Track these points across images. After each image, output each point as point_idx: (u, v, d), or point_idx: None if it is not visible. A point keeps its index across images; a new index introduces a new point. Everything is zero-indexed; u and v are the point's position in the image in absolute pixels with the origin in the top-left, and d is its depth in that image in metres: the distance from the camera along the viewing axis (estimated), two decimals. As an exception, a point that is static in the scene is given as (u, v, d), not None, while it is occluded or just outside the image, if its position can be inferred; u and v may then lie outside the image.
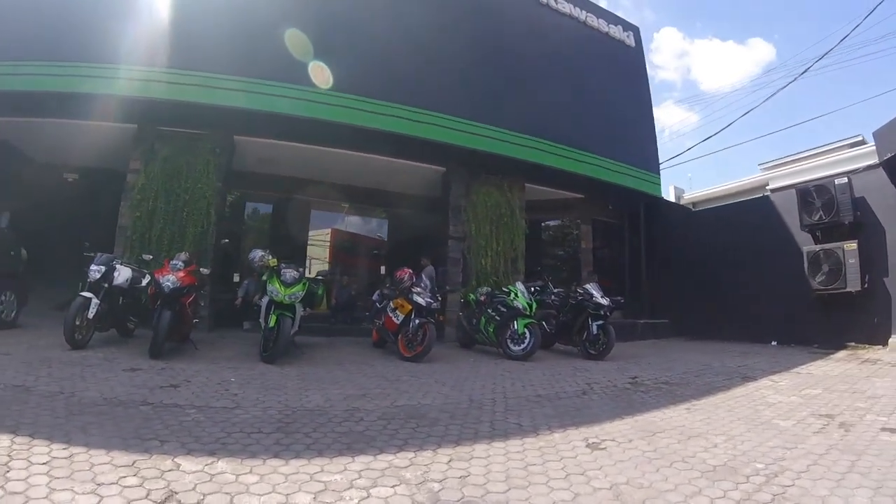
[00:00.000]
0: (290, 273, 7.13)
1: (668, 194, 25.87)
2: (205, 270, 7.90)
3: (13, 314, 7.88)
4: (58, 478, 2.58)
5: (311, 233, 14.51)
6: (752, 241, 12.17)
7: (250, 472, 2.83)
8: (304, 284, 7.26)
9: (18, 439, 3.05)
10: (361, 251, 15.13)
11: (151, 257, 7.97)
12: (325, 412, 4.26)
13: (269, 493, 2.57)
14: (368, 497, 2.56)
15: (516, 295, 8.55)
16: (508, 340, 8.34)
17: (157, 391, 4.64)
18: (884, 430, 4.08)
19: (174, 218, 9.28)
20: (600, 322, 8.53)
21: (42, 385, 4.49)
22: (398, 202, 14.00)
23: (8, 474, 2.58)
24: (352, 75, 9.92)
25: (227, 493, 2.54)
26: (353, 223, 15.18)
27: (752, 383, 6.31)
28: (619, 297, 9.54)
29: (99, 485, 2.54)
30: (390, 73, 10.37)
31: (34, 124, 10.31)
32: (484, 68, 11.62)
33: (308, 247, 14.16)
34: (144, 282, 7.34)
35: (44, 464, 2.74)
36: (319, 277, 8.71)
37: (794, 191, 11.51)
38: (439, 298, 8.43)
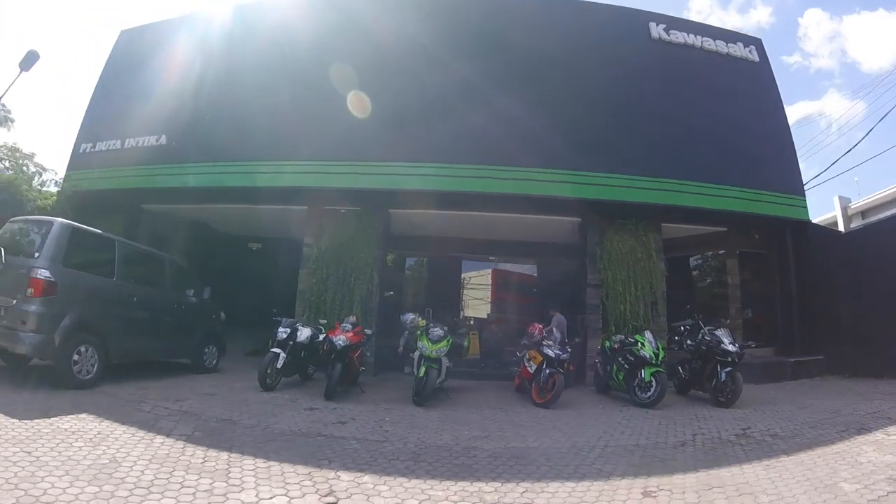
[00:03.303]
0: (436, 332, 8.87)
1: (834, 207, 24.42)
2: (368, 331, 9.99)
3: (215, 362, 10.50)
4: (261, 478, 4.27)
5: (470, 273, 16.66)
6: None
7: (383, 483, 4.35)
8: (449, 341, 8.93)
9: (233, 456, 4.84)
10: (518, 291, 16.72)
11: (326, 321, 10.19)
12: (450, 448, 5.66)
13: (392, 498, 4.02)
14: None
15: (643, 344, 9.22)
16: (636, 388, 9.01)
17: (329, 426, 6.42)
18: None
19: (343, 283, 11.59)
20: (728, 369, 8.79)
21: (244, 419, 6.45)
22: (541, 251, 15.31)
23: (229, 474, 4.32)
24: (482, 147, 11.68)
25: (365, 495, 4.03)
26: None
27: (861, 437, 6.24)
28: (750, 343, 9.72)
29: (287, 483, 4.18)
30: (518, 139, 11.78)
31: (223, 209, 13.75)
32: (606, 118, 12.48)
33: (464, 291, 16.44)
34: (321, 337, 9.44)
35: (251, 471, 4.45)
36: (462, 331, 10.16)
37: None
38: (569, 350, 9.43)
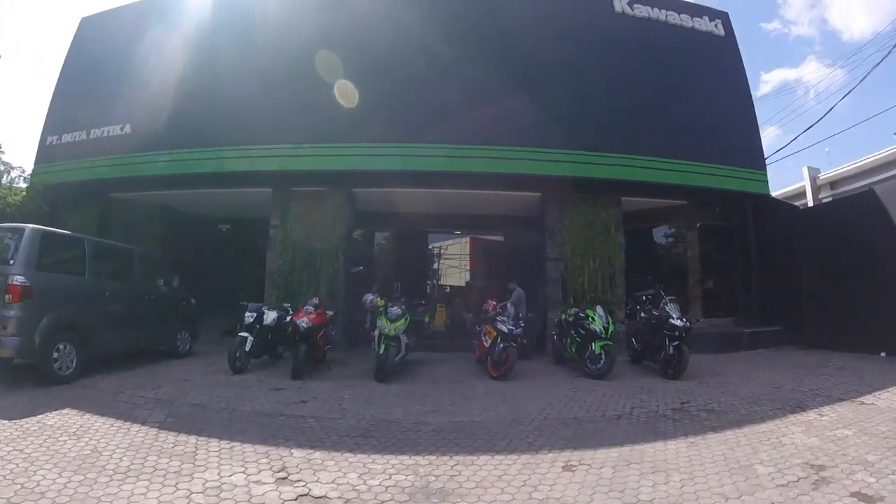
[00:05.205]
0: (394, 311, 9.51)
1: (803, 177, 25.43)
2: (330, 312, 10.59)
3: (188, 347, 11.16)
4: (223, 459, 4.90)
5: (447, 242, 17.75)
6: (867, 240, 11.43)
7: (331, 458, 4.98)
8: (406, 319, 9.58)
9: (201, 439, 5.44)
10: (496, 259, 17.53)
11: (289, 304, 10.80)
12: (399, 424, 6.34)
13: (336, 471, 4.66)
14: (389, 479, 4.49)
15: (593, 319, 9.93)
16: (587, 360, 9.75)
17: (291, 406, 7.09)
18: (853, 494, 4.00)
19: (310, 263, 12.15)
20: (676, 343, 9.49)
21: (214, 403, 7.11)
22: (504, 225, 16.01)
23: (196, 456, 4.92)
24: (444, 126, 12.19)
25: (313, 470, 4.68)
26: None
27: (793, 416, 6.47)
28: (698, 318, 10.66)
29: (246, 462, 4.82)
30: (479, 117, 12.24)
31: (191, 193, 14.09)
32: (568, 94, 12.83)
33: (439, 262, 17.72)
34: (288, 318, 10.08)
35: (216, 452, 5.07)
36: (420, 309, 10.88)
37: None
38: (522, 325, 10.12)
